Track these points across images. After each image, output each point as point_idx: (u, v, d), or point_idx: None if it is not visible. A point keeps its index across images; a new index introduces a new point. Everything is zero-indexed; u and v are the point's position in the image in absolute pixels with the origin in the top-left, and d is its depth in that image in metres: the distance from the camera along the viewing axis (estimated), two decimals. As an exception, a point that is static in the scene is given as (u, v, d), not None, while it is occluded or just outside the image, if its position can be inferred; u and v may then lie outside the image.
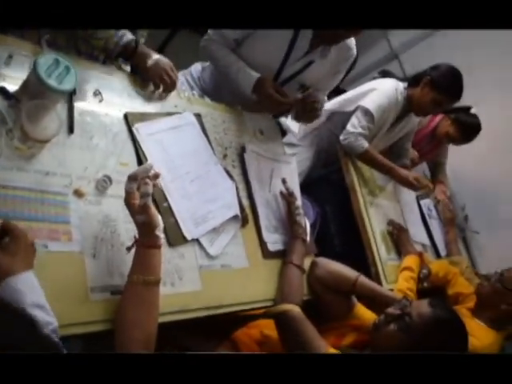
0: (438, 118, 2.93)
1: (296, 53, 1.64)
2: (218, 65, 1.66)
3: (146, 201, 0.98)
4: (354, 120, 2.20)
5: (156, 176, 1.02)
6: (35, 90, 1.05)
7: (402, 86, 2.29)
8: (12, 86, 1.06)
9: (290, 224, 1.63)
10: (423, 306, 1.31)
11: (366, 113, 2.18)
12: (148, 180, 0.99)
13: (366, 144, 2.17)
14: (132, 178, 1.00)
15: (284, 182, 1.66)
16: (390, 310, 1.35)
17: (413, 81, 2.30)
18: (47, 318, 0.82)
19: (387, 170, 2.29)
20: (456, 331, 1.31)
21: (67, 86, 1.07)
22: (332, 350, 1.31)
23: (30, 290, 0.83)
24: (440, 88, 2.19)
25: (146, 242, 1.01)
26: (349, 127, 2.19)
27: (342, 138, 2.20)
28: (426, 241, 2.59)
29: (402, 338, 1.27)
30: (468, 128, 2.78)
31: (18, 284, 0.81)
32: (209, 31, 1.64)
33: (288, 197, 1.65)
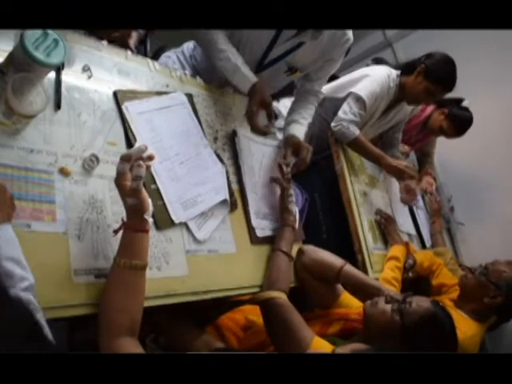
0: (430, 108, 2.91)
1: (286, 33, 1.57)
2: (213, 54, 1.55)
3: (138, 184, 0.95)
4: (345, 107, 2.17)
5: (150, 158, 0.99)
6: (21, 63, 1.01)
7: (394, 73, 2.26)
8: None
9: (281, 210, 1.61)
10: (425, 301, 1.34)
11: (358, 99, 2.15)
12: (141, 162, 0.95)
13: (357, 131, 2.15)
14: (125, 159, 0.96)
15: (281, 167, 1.63)
16: (393, 294, 1.41)
17: (406, 68, 2.26)
18: (22, 273, 0.80)
19: (376, 158, 2.27)
20: (448, 333, 1.32)
21: (55, 59, 1.02)
22: (318, 339, 1.31)
23: (6, 243, 0.81)
24: (434, 77, 2.16)
25: (134, 225, 0.98)
26: (340, 114, 2.16)
27: (333, 124, 2.17)
28: (413, 231, 2.60)
29: (395, 320, 1.29)
30: (461, 122, 2.78)
31: None
32: None
33: (283, 183, 1.63)
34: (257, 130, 1.55)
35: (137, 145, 1.20)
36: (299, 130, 1.75)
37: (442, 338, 1.32)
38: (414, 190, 2.36)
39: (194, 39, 1.61)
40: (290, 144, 1.68)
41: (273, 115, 1.58)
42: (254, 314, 1.59)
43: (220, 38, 1.51)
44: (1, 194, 0.86)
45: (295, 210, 1.64)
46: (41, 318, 0.78)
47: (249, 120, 1.55)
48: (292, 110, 1.85)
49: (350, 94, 2.19)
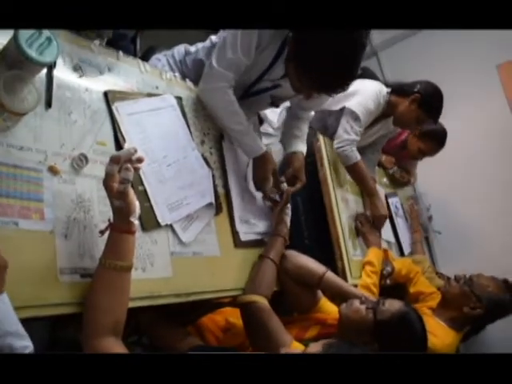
0: (406, 133, 2.98)
1: (276, 71, 1.56)
2: (224, 114, 1.53)
3: (125, 186, 0.96)
4: (345, 125, 2.17)
5: (140, 160, 1.00)
6: (14, 60, 1.00)
7: (385, 90, 2.29)
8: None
9: (276, 221, 1.66)
10: (398, 302, 1.42)
11: (356, 118, 2.17)
12: (129, 166, 0.96)
13: (359, 156, 2.18)
14: (114, 160, 0.96)
15: (284, 181, 1.69)
16: (368, 296, 1.50)
17: (399, 90, 2.29)
18: (24, 342, 0.80)
19: (368, 190, 2.31)
20: (418, 333, 1.38)
21: (48, 57, 1.02)
22: (295, 343, 1.34)
23: (5, 316, 0.79)
24: (428, 109, 2.21)
25: (120, 226, 0.99)
26: (342, 133, 2.17)
27: (336, 144, 2.18)
28: (392, 238, 2.64)
29: (368, 317, 1.37)
30: (435, 136, 2.85)
31: None
32: (212, 75, 1.49)
33: (284, 196, 1.67)
34: (265, 194, 1.65)
35: (126, 146, 1.20)
36: (303, 147, 1.82)
37: (412, 337, 1.38)
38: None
39: (204, 96, 1.56)
40: (293, 163, 1.74)
41: (279, 183, 1.67)
42: (234, 316, 1.61)
43: (235, 100, 1.52)
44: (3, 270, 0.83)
45: (289, 222, 1.68)
46: None
47: (261, 185, 1.63)
48: (289, 126, 1.89)
49: (345, 110, 2.20)
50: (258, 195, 1.67)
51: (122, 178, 0.95)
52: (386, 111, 2.32)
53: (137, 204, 1.00)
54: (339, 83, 1.37)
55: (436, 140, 2.85)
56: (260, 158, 1.58)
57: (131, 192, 0.98)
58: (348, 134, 2.16)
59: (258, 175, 1.62)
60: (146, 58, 1.86)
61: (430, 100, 2.22)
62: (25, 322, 0.84)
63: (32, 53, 0.99)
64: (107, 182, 0.97)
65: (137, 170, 0.99)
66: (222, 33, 1.58)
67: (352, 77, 1.36)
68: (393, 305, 1.40)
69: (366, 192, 2.36)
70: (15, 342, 0.78)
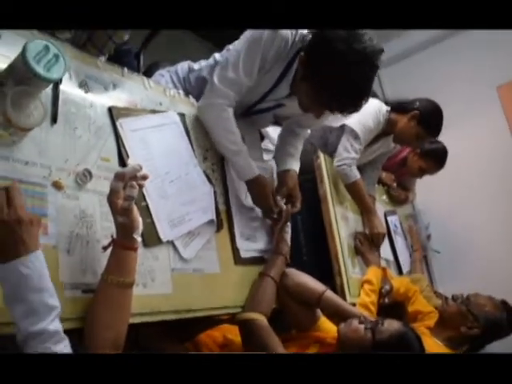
0: (406, 151, 2.99)
1: (279, 91, 1.58)
2: (219, 132, 1.52)
3: (129, 203, 0.96)
4: (346, 143, 2.19)
5: (144, 177, 1.01)
6: (21, 76, 1.02)
7: (384, 108, 2.31)
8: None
9: (277, 240, 1.66)
10: (397, 322, 1.40)
11: (356, 136, 2.19)
12: (134, 183, 0.97)
13: (358, 174, 2.20)
14: (119, 177, 0.98)
15: (288, 200, 1.69)
16: (367, 315, 1.50)
17: (398, 108, 2.31)
18: (54, 301, 0.83)
19: (366, 208, 2.34)
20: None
21: (55, 74, 1.03)
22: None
23: (41, 273, 0.82)
24: (427, 125, 2.23)
25: (122, 243, 1.00)
26: (342, 151, 2.19)
27: (337, 163, 2.20)
28: (390, 257, 2.64)
29: (367, 337, 1.36)
30: (437, 155, 2.87)
31: (26, 267, 0.80)
32: (212, 91, 1.49)
33: (285, 215, 1.67)
34: (268, 213, 1.65)
35: (129, 161, 1.21)
36: (297, 166, 1.82)
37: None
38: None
39: (202, 111, 1.56)
40: (287, 182, 1.73)
41: (278, 201, 1.65)
42: (232, 332, 1.60)
43: (233, 119, 1.51)
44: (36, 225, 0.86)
45: (289, 240, 1.69)
46: (64, 347, 0.81)
47: (265, 212, 1.65)
48: (284, 142, 1.89)
49: (344, 127, 2.23)
50: (259, 212, 1.67)
51: (127, 195, 0.96)
52: (386, 129, 2.34)
53: (140, 221, 1.01)
54: (355, 103, 1.39)
55: (437, 159, 2.87)
56: (254, 181, 1.56)
57: (135, 209, 0.99)
58: (348, 153, 2.18)
59: (259, 202, 1.61)
60: (149, 73, 1.88)
61: (429, 117, 2.24)
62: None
63: (40, 69, 1.00)
64: (111, 199, 0.98)
65: (141, 187, 1.00)
66: (226, 52, 1.60)
67: (367, 96, 1.39)
68: (392, 325, 1.40)
69: (364, 210, 2.37)
70: (49, 299, 0.81)
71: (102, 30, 1.34)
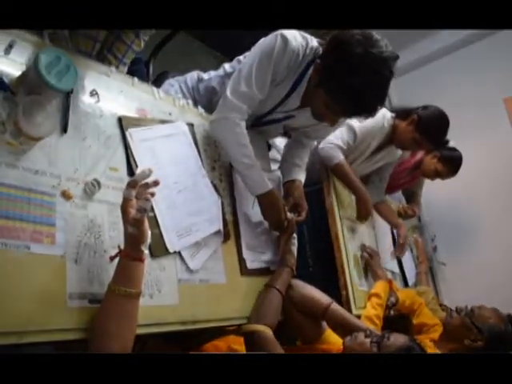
0: (420, 154, 2.98)
1: (285, 106, 1.60)
2: (232, 146, 1.50)
3: (141, 215, 0.96)
4: (337, 132, 2.17)
5: (156, 183, 1.01)
6: (33, 85, 1.03)
7: (389, 114, 2.31)
8: (8, 77, 1.03)
9: (283, 252, 1.65)
10: (403, 336, 1.39)
11: (350, 130, 2.18)
12: (149, 196, 0.97)
13: (342, 156, 2.17)
14: (131, 185, 0.98)
15: (294, 210, 1.69)
16: (372, 329, 1.48)
17: (402, 113, 2.31)
18: None
19: (353, 188, 2.27)
20: None
21: (66, 84, 1.05)
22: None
23: None
24: (423, 130, 2.21)
25: (130, 253, 0.99)
26: (330, 137, 2.17)
27: (320, 145, 2.19)
28: (396, 269, 2.63)
29: (372, 351, 1.34)
30: (454, 162, 2.86)
31: None
32: (225, 105, 1.48)
33: (290, 226, 1.66)
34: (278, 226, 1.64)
35: (138, 171, 1.21)
36: (302, 176, 1.83)
37: None
38: (403, 244, 2.47)
39: (215, 125, 1.54)
40: (293, 193, 1.74)
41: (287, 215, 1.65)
42: (237, 343, 1.59)
43: (246, 133, 1.50)
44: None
45: (296, 252, 1.68)
46: None
47: (276, 227, 1.64)
48: (291, 153, 1.89)
49: (344, 123, 2.22)
50: (266, 223, 1.67)
51: (140, 206, 0.96)
52: (390, 136, 2.33)
53: (149, 234, 1.01)
54: (372, 107, 1.39)
55: (453, 166, 2.87)
56: (267, 196, 1.53)
57: (146, 221, 0.99)
58: (336, 139, 2.17)
59: (270, 215, 1.59)
60: (158, 82, 1.90)
61: (427, 122, 2.21)
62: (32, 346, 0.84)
63: (51, 79, 1.01)
64: (124, 207, 0.98)
65: (152, 195, 1.00)
66: (236, 64, 1.60)
67: (383, 102, 1.39)
68: (397, 339, 1.39)
69: (353, 191, 2.30)
70: None
71: (121, 41, 1.36)
